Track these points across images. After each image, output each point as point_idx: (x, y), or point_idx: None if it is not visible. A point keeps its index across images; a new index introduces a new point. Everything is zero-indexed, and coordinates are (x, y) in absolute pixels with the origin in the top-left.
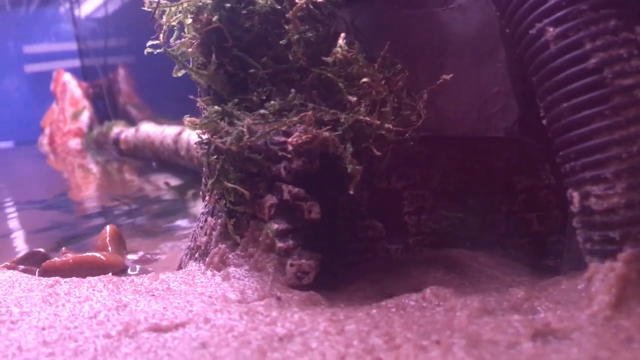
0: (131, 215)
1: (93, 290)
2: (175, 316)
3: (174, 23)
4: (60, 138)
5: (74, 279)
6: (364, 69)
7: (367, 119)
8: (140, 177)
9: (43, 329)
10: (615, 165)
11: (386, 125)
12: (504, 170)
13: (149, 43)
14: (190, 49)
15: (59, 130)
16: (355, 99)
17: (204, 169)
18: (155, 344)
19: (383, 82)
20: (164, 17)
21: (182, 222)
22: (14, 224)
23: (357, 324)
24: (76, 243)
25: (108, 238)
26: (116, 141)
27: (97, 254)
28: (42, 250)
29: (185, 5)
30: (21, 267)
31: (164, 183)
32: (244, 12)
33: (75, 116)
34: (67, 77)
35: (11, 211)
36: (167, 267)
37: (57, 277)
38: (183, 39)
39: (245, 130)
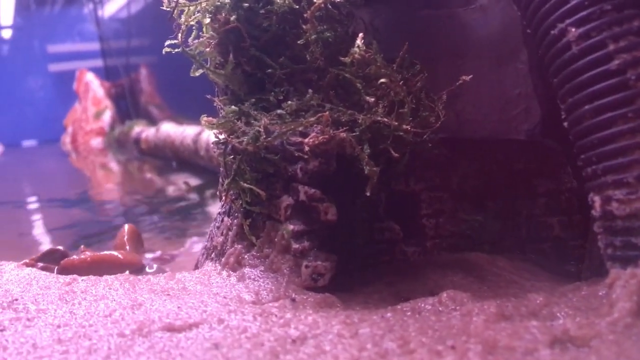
0: (150, 215)
1: (109, 288)
2: (189, 316)
3: (192, 22)
4: (82, 137)
5: (91, 277)
6: (382, 70)
7: (385, 120)
8: (160, 177)
9: (58, 326)
10: (638, 169)
11: (404, 127)
12: (524, 173)
13: (167, 42)
14: (208, 49)
15: (81, 129)
16: (373, 99)
17: (221, 169)
18: (168, 343)
19: (401, 82)
20: (183, 16)
21: (200, 222)
22: (36, 221)
23: (371, 327)
24: (96, 241)
25: (126, 237)
26: (137, 140)
27: (115, 253)
28: (61, 248)
29: (203, 4)
30: (40, 264)
31: (183, 183)
32: (262, 11)
33: (98, 115)
34: (90, 77)
35: (34, 209)
36: (184, 267)
37: (74, 275)
38: (201, 39)
39: (262, 130)
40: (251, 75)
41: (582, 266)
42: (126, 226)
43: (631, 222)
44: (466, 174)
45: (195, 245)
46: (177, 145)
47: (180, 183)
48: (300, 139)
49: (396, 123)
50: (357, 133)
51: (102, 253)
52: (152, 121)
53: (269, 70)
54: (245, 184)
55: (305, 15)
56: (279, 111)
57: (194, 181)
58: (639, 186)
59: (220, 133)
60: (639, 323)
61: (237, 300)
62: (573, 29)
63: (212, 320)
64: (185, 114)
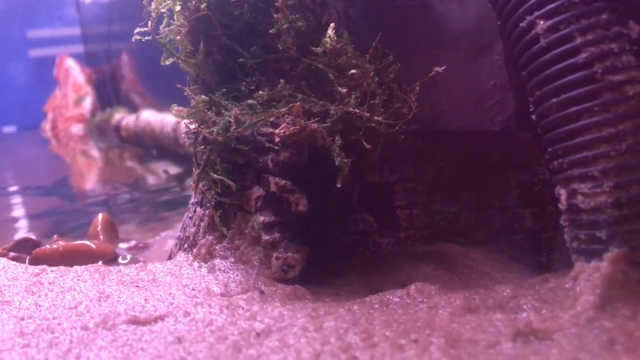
0: (128, 203)
1: (78, 280)
2: (155, 309)
3: (163, 10)
4: (62, 124)
5: (61, 267)
6: (353, 60)
7: (357, 110)
8: (140, 165)
9: (22, 319)
10: (603, 163)
11: (376, 118)
12: (498, 164)
13: (137, 30)
14: (178, 37)
15: (62, 115)
16: (345, 90)
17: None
18: (131, 337)
19: (374, 73)
20: (153, 3)
21: (178, 211)
22: (12, 209)
23: (336, 320)
24: (72, 230)
25: (100, 227)
26: (117, 128)
27: (88, 242)
28: (33, 237)
29: None
30: (12, 254)
31: (163, 171)
32: None
33: (78, 102)
34: (70, 63)
35: (11, 196)
36: (158, 256)
37: (44, 266)
38: (172, 26)
39: (232, 120)
40: (222, 65)
41: (553, 257)
42: (100, 215)
43: (596, 216)
44: (441, 165)
45: (172, 233)
46: (157, 134)
47: (160, 171)
48: (271, 130)
49: (368, 114)
50: (329, 124)
51: (74, 243)
52: (134, 108)
53: (241, 60)
54: (215, 175)
55: (276, 4)
56: (250, 101)
57: (174, 169)
58: (604, 180)
59: (191, 123)
60: (601, 316)
61: (206, 292)
62: (541, 22)
63: (178, 313)
64: (168, 101)
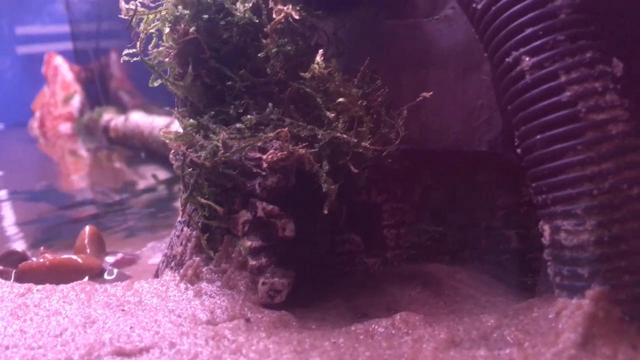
0: (116, 211)
1: (64, 302)
2: (141, 339)
3: (151, 30)
4: (50, 122)
5: (47, 286)
6: (341, 88)
7: (344, 136)
8: (129, 167)
9: (7, 347)
10: (586, 201)
11: (363, 144)
12: (485, 185)
13: (125, 51)
14: (167, 59)
15: (50, 114)
16: (333, 115)
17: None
18: None
19: (362, 99)
20: (141, 24)
21: (167, 220)
22: (0, 216)
23: (321, 356)
24: (58, 239)
25: (87, 239)
26: (106, 129)
27: (75, 257)
28: (19, 250)
29: (163, 13)
30: None
31: (151, 176)
32: (222, 22)
33: (66, 100)
34: (59, 61)
35: None
36: (144, 271)
37: (29, 285)
38: (160, 48)
39: (220, 145)
40: (211, 87)
41: (538, 278)
42: (87, 228)
43: (578, 253)
44: (428, 185)
45: (158, 245)
46: (145, 136)
47: (149, 175)
48: (259, 155)
49: (355, 140)
50: (317, 149)
51: (61, 257)
52: (123, 107)
53: (229, 83)
54: (202, 199)
55: (265, 29)
56: (238, 125)
57: (163, 174)
58: (587, 218)
59: (179, 146)
60: (583, 355)
61: (192, 320)
62: (527, 58)
63: (164, 345)
64: (156, 100)
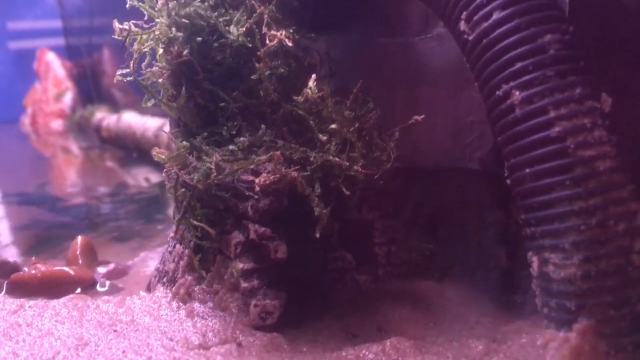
0: (109, 216)
1: (56, 320)
2: None
3: (145, 50)
4: (42, 118)
5: (39, 302)
6: (333, 115)
7: (337, 159)
8: (121, 168)
9: None
10: (574, 236)
11: (355, 167)
12: (476, 203)
13: (119, 72)
14: (160, 79)
15: (42, 110)
16: (325, 137)
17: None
18: None
19: (354, 121)
20: (135, 44)
21: (158, 226)
22: None
23: None
24: (50, 246)
25: (79, 250)
26: (98, 128)
27: (66, 269)
28: (10, 260)
29: (157, 33)
30: None
31: (144, 179)
32: (216, 44)
33: (58, 97)
34: (51, 57)
35: None
36: (136, 283)
37: (21, 301)
38: (154, 68)
39: (213, 167)
40: (204, 108)
41: (527, 297)
42: (79, 238)
43: (566, 287)
44: (419, 202)
45: (150, 255)
46: (138, 137)
47: (141, 178)
48: (251, 177)
49: (347, 164)
50: (309, 172)
51: (53, 269)
52: (115, 104)
53: (222, 104)
54: (195, 222)
55: (258, 52)
56: (231, 147)
57: (155, 177)
58: (574, 253)
59: (171, 166)
60: None
61: (184, 344)
62: (517, 92)
63: None
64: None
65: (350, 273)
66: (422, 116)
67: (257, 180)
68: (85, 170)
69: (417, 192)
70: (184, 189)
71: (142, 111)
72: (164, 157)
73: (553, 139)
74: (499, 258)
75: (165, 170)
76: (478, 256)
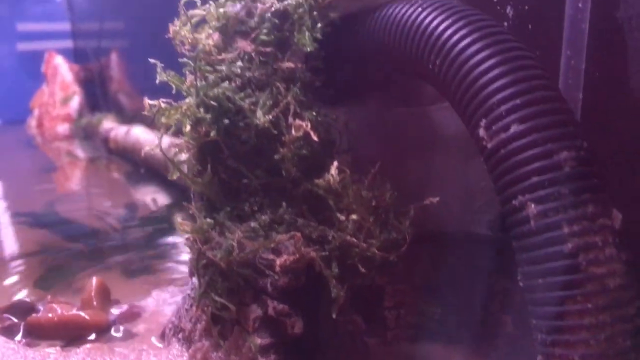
0: (118, 244)
1: None
2: None
3: (172, 123)
4: (48, 122)
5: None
6: (354, 206)
7: (354, 240)
8: (129, 184)
9: None
10: (583, 349)
11: (372, 249)
12: (484, 268)
13: (147, 148)
14: (187, 155)
15: (48, 114)
16: (344, 217)
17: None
18: None
19: (371, 200)
20: (163, 118)
21: (167, 262)
22: (2, 245)
23: None
24: (62, 278)
25: (94, 292)
26: (106, 140)
27: (82, 313)
28: (27, 300)
29: (184, 108)
30: (6, 316)
31: (152, 199)
32: (242, 124)
33: (65, 101)
34: (59, 60)
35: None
36: (149, 330)
37: (42, 354)
38: (181, 141)
39: (235, 244)
40: (227, 184)
41: None
42: (94, 280)
43: None
44: (429, 267)
45: (163, 296)
46: (146, 154)
47: (149, 199)
48: (272, 256)
49: (365, 245)
50: (327, 253)
51: (69, 313)
52: (121, 110)
53: (245, 181)
54: (217, 298)
55: (283, 138)
56: (252, 224)
57: (163, 198)
58: None
59: (195, 239)
60: None
61: None
62: (533, 205)
63: None
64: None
65: (360, 335)
66: (437, 199)
67: (278, 262)
68: (94, 183)
69: (427, 256)
70: (205, 261)
71: (151, 126)
72: (187, 228)
73: (566, 254)
74: (504, 325)
75: (188, 239)
76: (484, 322)
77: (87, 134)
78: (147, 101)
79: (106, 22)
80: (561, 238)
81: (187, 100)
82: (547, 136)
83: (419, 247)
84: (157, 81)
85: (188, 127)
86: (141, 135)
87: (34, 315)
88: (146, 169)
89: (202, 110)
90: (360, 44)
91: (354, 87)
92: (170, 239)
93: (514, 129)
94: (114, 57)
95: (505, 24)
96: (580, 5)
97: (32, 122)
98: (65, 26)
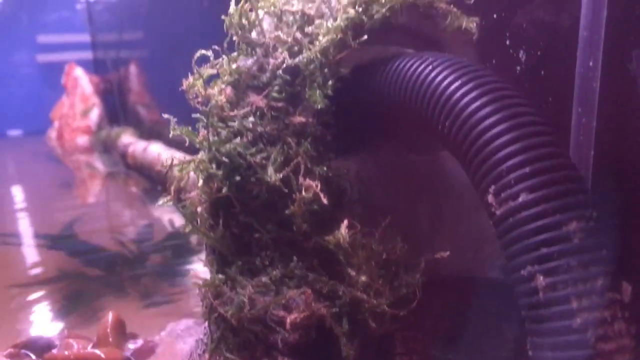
0: (135, 270)
1: None
2: None
3: (184, 177)
4: (68, 134)
5: None
6: (364, 267)
7: (364, 296)
8: (146, 202)
9: None
10: None
11: (382, 306)
12: (495, 314)
13: (161, 201)
14: (199, 208)
15: (68, 125)
16: (354, 273)
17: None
18: None
19: (382, 254)
20: (176, 171)
21: (181, 294)
22: (23, 268)
23: None
24: (80, 306)
25: (109, 328)
26: (124, 154)
27: (98, 352)
28: (44, 336)
29: (197, 162)
30: (24, 352)
31: (168, 220)
32: (253, 179)
33: (85, 113)
34: (79, 72)
35: (15, 247)
36: None
37: None
38: (194, 194)
39: (246, 300)
40: (239, 238)
41: None
42: (110, 316)
43: None
44: (439, 313)
45: (177, 330)
46: (164, 172)
47: (166, 219)
48: (282, 313)
49: (375, 301)
50: (337, 309)
51: (85, 352)
52: (140, 122)
53: (257, 235)
54: (228, 354)
55: (294, 196)
56: (263, 279)
57: (178, 219)
58: None
59: (207, 292)
60: None
61: None
62: (541, 277)
63: None
64: (174, 114)
65: None
66: (447, 253)
67: (289, 320)
68: (113, 198)
69: (438, 303)
70: (216, 314)
71: (169, 143)
72: (199, 282)
73: (575, 329)
74: None
75: (200, 293)
76: None
77: (106, 147)
78: (163, 156)
79: (125, 33)
80: (570, 313)
81: (200, 154)
82: (557, 206)
83: (431, 292)
84: (170, 135)
85: (200, 182)
86: (159, 153)
87: (52, 351)
88: (163, 186)
89: (214, 165)
90: (371, 96)
91: (365, 135)
92: (187, 266)
93: (522, 197)
94: (132, 69)
95: (518, 68)
96: (591, 64)
97: (52, 133)
98: (85, 37)
